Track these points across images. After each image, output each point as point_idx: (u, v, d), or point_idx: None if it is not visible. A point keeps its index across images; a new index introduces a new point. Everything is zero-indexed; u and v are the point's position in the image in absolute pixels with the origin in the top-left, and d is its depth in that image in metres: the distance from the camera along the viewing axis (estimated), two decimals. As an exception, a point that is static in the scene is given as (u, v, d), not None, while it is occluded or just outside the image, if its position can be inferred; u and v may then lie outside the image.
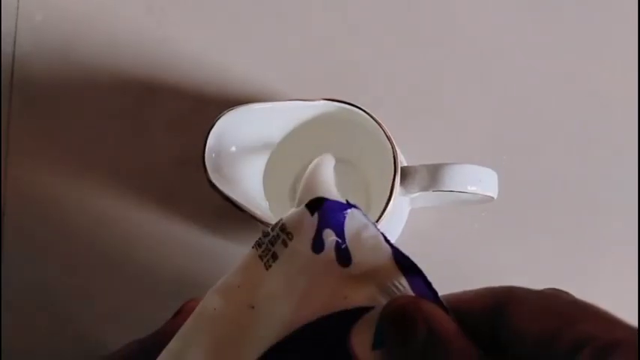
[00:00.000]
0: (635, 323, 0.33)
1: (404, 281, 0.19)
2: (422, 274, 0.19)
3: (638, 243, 0.35)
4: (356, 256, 0.19)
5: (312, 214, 0.20)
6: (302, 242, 0.20)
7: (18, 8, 0.40)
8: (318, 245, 0.20)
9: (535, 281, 0.35)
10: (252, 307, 0.20)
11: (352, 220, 0.20)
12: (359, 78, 0.37)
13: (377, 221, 0.27)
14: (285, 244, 0.20)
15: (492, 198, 0.29)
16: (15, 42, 0.39)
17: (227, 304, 0.20)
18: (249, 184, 0.30)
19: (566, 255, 0.35)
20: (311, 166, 0.24)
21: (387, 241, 0.20)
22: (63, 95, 0.38)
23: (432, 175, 0.27)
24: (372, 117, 0.28)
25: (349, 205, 0.21)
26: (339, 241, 0.20)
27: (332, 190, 0.22)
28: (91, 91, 0.38)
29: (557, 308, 0.17)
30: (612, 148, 0.36)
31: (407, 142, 0.34)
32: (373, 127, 0.28)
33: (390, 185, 0.27)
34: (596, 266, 0.35)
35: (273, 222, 0.27)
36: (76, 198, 0.37)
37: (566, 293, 0.19)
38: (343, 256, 0.19)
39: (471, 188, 0.27)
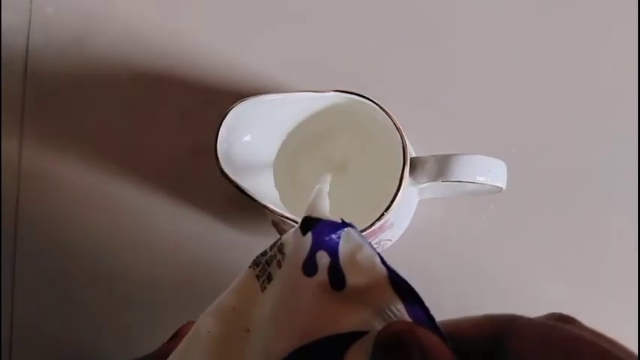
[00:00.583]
0: (635, 323, 0.34)
1: (400, 305, 0.18)
2: (419, 298, 0.18)
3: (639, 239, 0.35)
4: (350, 278, 0.19)
5: (305, 234, 0.19)
6: (293, 264, 0.19)
7: (31, 2, 0.40)
8: (310, 268, 0.19)
9: (541, 273, 0.35)
10: (248, 331, 0.19)
11: (347, 241, 0.19)
12: (369, 70, 0.38)
13: (386, 211, 0.27)
14: (280, 265, 0.20)
15: (501, 189, 0.29)
16: (28, 35, 0.40)
17: (221, 327, 0.20)
18: (260, 174, 0.30)
19: (573, 247, 0.36)
20: (314, 191, 0.23)
21: (384, 262, 0.19)
22: (75, 87, 0.39)
23: (441, 166, 0.28)
24: (381, 108, 0.28)
25: (344, 225, 0.19)
26: (333, 263, 0.19)
27: (327, 209, 0.21)
28: (103, 82, 0.39)
29: (559, 343, 0.16)
30: (621, 140, 0.36)
31: (416, 134, 0.34)
32: (383, 118, 0.28)
33: (400, 176, 0.28)
34: (602, 259, 0.35)
35: (283, 212, 0.28)
36: (89, 188, 0.38)
37: (572, 322, 0.18)
38: (337, 279, 0.19)
39: (479, 179, 0.28)
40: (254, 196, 0.26)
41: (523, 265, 0.35)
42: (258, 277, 0.20)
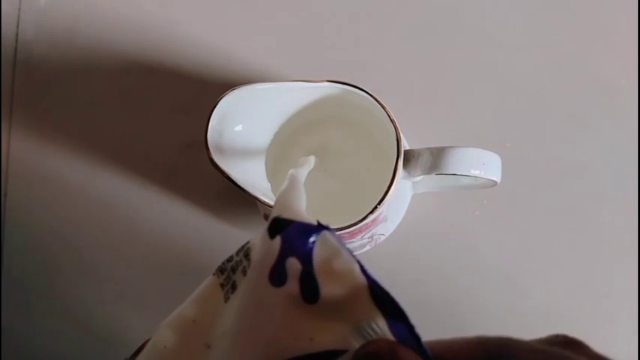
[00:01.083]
0: (635, 322, 0.33)
1: (381, 321, 0.16)
2: (403, 313, 0.16)
3: (639, 230, 0.35)
4: (325, 289, 0.16)
5: (273, 237, 0.17)
6: (259, 272, 0.17)
7: (22, -9, 0.39)
8: (278, 276, 0.16)
9: (535, 269, 0.35)
10: (209, 347, 0.17)
11: (323, 246, 0.17)
12: (363, 61, 0.37)
13: (379, 204, 0.27)
14: (245, 272, 0.17)
15: (495, 182, 0.29)
16: (18, 25, 0.39)
17: (180, 341, 0.18)
18: (252, 164, 0.30)
19: (567, 243, 0.35)
20: (280, 191, 0.20)
21: (364, 270, 0.16)
22: (66, 78, 0.38)
23: (435, 158, 0.27)
24: (375, 99, 0.28)
25: (320, 227, 0.17)
26: (306, 271, 0.16)
27: (302, 209, 0.18)
28: (94, 74, 0.38)
29: None
30: (615, 135, 0.36)
31: (411, 127, 0.34)
32: (377, 110, 0.28)
33: (393, 168, 0.27)
34: (597, 253, 0.35)
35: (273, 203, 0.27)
36: (79, 180, 0.37)
37: (578, 346, 0.17)
38: (309, 289, 0.16)
39: (474, 172, 0.27)
40: (244, 187, 0.26)
41: (517, 260, 0.35)
42: (222, 285, 0.18)
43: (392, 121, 0.28)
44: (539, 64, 0.37)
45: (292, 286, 0.16)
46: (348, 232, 0.28)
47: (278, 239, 0.17)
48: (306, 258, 0.16)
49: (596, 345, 0.34)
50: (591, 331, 0.34)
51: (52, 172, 0.37)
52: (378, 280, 0.16)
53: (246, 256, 0.18)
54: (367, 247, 0.33)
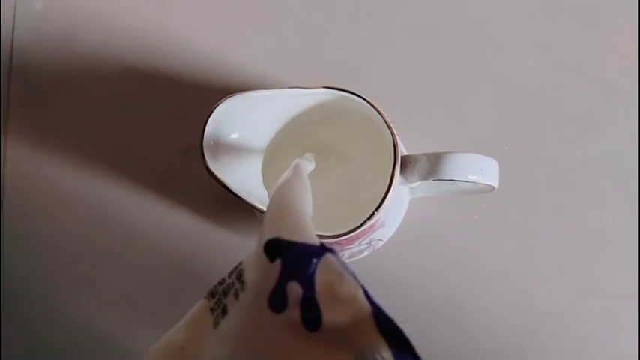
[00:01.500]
0: (635, 322, 0.33)
1: (386, 352, 0.15)
2: (409, 344, 0.15)
3: (639, 234, 0.35)
4: (328, 316, 0.15)
5: (272, 260, 0.16)
6: (257, 296, 0.16)
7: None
8: (277, 301, 0.15)
9: (534, 272, 0.35)
10: None
11: (325, 270, 0.16)
12: (360, 67, 0.37)
13: (376, 210, 0.27)
14: (237, 296, 0.16)
15: (493, 187, 0.28)
16: (14, 31, 0.39)
17: None
18: (249, 171, 0.30)
19: (566, 247, 0.35)
20: (283, 178, 0.19)
21: (368, 296, 0.16)
22: (62, 84, 0.38)
23: (433, 164, 0.27)
24: (372, 105, 0.28)
25: (323, 249, 0.16)
26: (307, 296, 0.15)
27: (303, 221, 0.17)
28: (90, 80, 0.38)
29: None
30: (615, 137, 0.36)
31: (408, 132, 0.34)
32: (374, 116, 0.28)
33: (390, 174, 0.27)
34: (596, 258, 0.35)
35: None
36: (76, 187, 0.37)
37: None
38: (311, 316, 0.15)
39: (471, 177, 0.27)
40: (240, 195, 0.26)
41: (516, 263, 0.35)
42: (212, 310, 0.17)
43: (389, 126, 0.27)
44: (538, 65, 0.37)
45: (293, 312, 0.15)
46: (345, 239, 0.28)
47: (278, 262, 0.16)
48: (308, 282, 0.15)
49: (597, 346, 0.35)
50: (592, 332, 0.34)
51: (48, 179, 0.37)
52: (383, 306, 0.15)
53: (239, 278, 0.17)
54: (365, 253, 0.33)
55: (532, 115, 0.36)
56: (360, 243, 0.31)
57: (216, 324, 0.16)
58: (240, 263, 0.17)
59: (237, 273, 0.17)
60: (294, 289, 0.15)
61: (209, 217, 0.36)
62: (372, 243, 0.32)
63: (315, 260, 0.16)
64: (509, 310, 0.35)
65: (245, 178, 0.29)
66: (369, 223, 0.27)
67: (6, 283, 0.37)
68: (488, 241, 0.35)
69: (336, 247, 0.30)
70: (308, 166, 0.25)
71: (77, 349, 0.36)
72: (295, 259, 0.16)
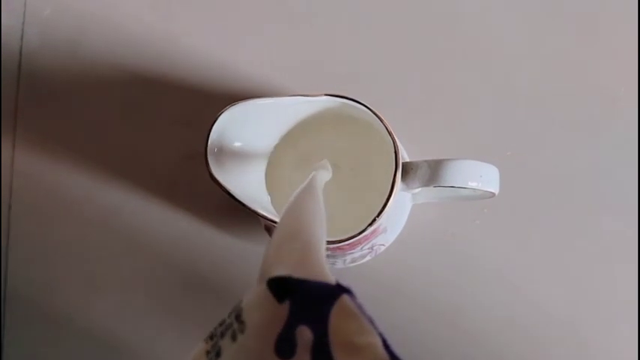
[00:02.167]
0: (635, 322, 0.34)
1: None
2: None
3: (639, 239, 0.35)
4: None
5: (281, 301, 0.14)
6: (260, 339, 0.14)
7: (25, 4, 0.40)
8: (285, 347, 0.14)
9: (536, 277, 0.35)
10: None
11: (341, 314, 0.14)
12: (362, 74, 0.38)
13: (378, 216, 0.27)
14: (234, 337, 0.15)
15: (494, 194, 0.29)
16: (22, 36, 0.40)
17: None
18: (252, 178, 0.30)
19: (567, 252, 0.35)
20: (295, 195, 0.17)
21: (387, 346, 0.14)
22: (69, 90, 0.39)
23: (433, 171, 0.27)
24: (373, 112, 0.28)
25: (339, 290, 0.14)
26: (319, 343, 0.14)
27: (317, 253, 0.15)
28: (97, 86, 0.39)
29: None
30: (616, 143, 0.36)
31: (411, 138, 0.34)
32: (375, 123, 0.28)
33: (392, 181, 0.27)
34: (598, 263, 0.35)
35: (273, 217, 0.27)
36: (82, 192, 0.38)
37: None
38: None
39: (471, 184, 0.27)
40: (243, 201, 0.26)
41: (518, 269, 0.35)
42: (207, 353, 0.15)
43: (390, 133, 0.28)
44: (539, 73, 0.37)
45: (302, 359, 0.14)
46: (347, 244, 0.29)
47: (287, 303, 0.14)
48: (321, 327, 0.14)
49: (598, 351, 0.35)
50: (593, 337, 0.35)
51: (55, 184, 0.38)
52: (402, 357, 0.14)
53: (238, 318, 0.15)
54: (367, 258, 0.33)
55: (534, 121, 0.37)
56: (362, 248, 0.31)
57: None
58: (240, 302, 0.15)
59: (236, 312, 0.15)
60: (305, 334, 0.14)
61: (213, 223, 0.37)
62: (374, 248, 0.33)
63: (331, 301, 0.14)
64: (511, 315, 0.35)
65: (249, 185, 0.30)
66: (370, 229, 0.28)
67: (11, 285, 0.37)
68: (490, 246, 0.35)
69: (338, 253, 0.31)
70: (325, 175, 0.24)
71: (81, 352, 0.36)
72: (307, 302, 0.14)
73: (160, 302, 0.37)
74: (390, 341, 0.14)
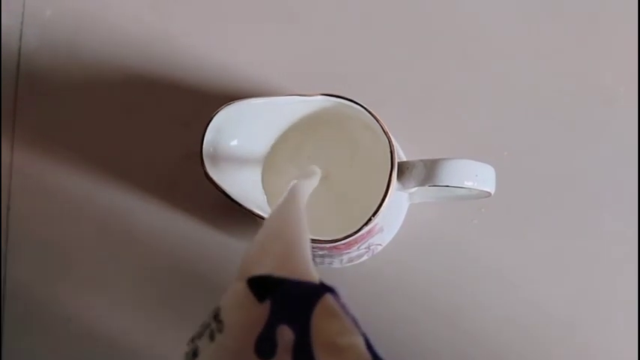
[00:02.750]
0: (635, 323, 0.33)
1: None
2: None
3: (639, 239, 0.35)
4: None
5: (261, 300, 0.14)
6: (239, 339, 0.14)
7: (24, 6, 0.40)
8: (265, 347, 0.14)
9: (534, 277, 0.35)
10: None
11: (323, 313, 0.14)
12: (359, 74, 0.38)
13: (373, 216, 0.27)
14: (212, 337, 0.15)
15: (490, 193, 0.29)
16: (21, 37, 0.40)
17: None
18: (248, 177, 0.30)
19: (566, 252, 0.35)
20: (277, 204, 0.17)
21: (370, 346, 0.14)
22: (68, 90, 0.39)
23: (429, 170, 0.27)
24: (369, 112, 0.28)
25: (322, 289, 0.14)
26: (301, 342, 0.14)
27: (299, 253, 0.15)
28: (95, 86, 0.39)
29: None
30: (615, 143, 0.36)
31: (408, 137, 0.34)
32: (371, 122, 0.28)
33: (387, 180, 0.27)
34: (596, 263, 0.35)
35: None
36: (80, 192, 0.38)
37: None
38: None
39: (467, 183, 0.27)
40: (238, 200, 0.26)
41: (516, 269, 0.35)
42: (186, 355, 0.15)
43: (385, 133, 0.28)
44: (537, 72, 0.37)
45: (283, 359, 0.14)
46: (343, 244, 0.29)
47: (267, 302, 0.14)
48: (302, 327, 0.14)
49: (597, 350, 0.35)
50: (592, 336, 0.34)
51: (53, 184, 0.38)
52: (385, 358, 0.14)
53: (216, 317, 0.15)
54: (364, 258, 0.33)
55: (532, 121, 0.37)
56: (358, 248, 0.31)
57: None
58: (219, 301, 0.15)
59: (214, 312, 0.15)
60: (286, 334, 0.14)
61: (211, 222, 0.37)
62: (371, 248, 0.33)
63: (313, 301, 0.14)
64: (510, 315, 0.35)
65: (245, 184, 0.30)
66: (366, 228, 0.28)
67: (10, 285, 0.37)
68: (488, 246, 0.35)
69: (334, 252, 0.31)
70: (311, 182, 0.24)
71: (80, 352, 0.36)
72: (288, 301, 0.14)
73: (159, 301, 0.37)
74: (374, 342, 0.14)
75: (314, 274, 0.14)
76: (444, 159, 0.28)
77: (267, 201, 0.31)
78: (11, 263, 0.37)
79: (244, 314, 0.14)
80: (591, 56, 0.37)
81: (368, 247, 0.32)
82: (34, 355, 0.37)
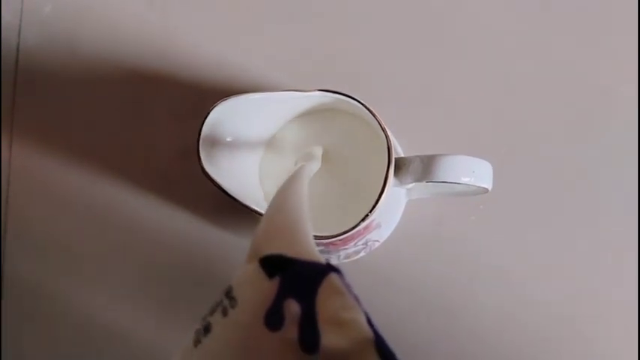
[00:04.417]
0: (635, 322, 0.33)
1: None
2: None
3: (638, 237, 0.35)
4: (327, 339, 0.14)
5: (271, 276, 0.15)
6: (250, 312, 0.15)
7: (23, 2, 0.40)
8: (274, 319, 0.15)
9: (533, 273, 0.35)
10: None
11: (328, 291, 0.15)
12: (356, 69, 0.37)
13: (370, 212, 0.27)
14: (225, 313, 0.15)
15: (487, 189, 0.29)
16: (20, 33, 0.40)
17: None
18: (246, 173, 0.30)
19: (564, 249, 0.35)
20: (283, 184, 0.18)
21: (371, 323, 0.15)
22: (67, 87, 0.39)
23: (426, 166, 0.27)
24: (366, 108, 0.28)
25: (328, 268, 0.15)
26: (307, 316, 0.15)
27: (307, 236, 0.16)
28: (93, 82, 0.39)
29: None
30: (615, 141, 0.36)
31: (406, 133, 0.34)
32: (369, 118, 0.28)
33: (384, 176, 0.27)
34: (595, 260, 0.35)
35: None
36: (79, 188, 0.38)
37: None
38: (309, 337, 0.14)
39: (464, 179, 0.27)
40: (234, 196, 0.26)
41: (514, 266, 0.35)
42: (197, 331, 0.16)
43: (383, 128, 0.28)
44: (536, 69, 0.37)
45: (290, 331, 0.15)
46: (340, 240, 0.29)
47: (277, 279, 0.15)
48: (308, 302, 0.15)
49: (597, 347, 0.35)
50: (592, 333, 0.34)
51: (52, 180, 0.38)
52: (384, 335, 0.14)
53: (228, 294, 0.16)
54: (362, 254, 0.33)
55: (530, 118, 0.36)
56: (355, 244, 0.31)
57: (196, 342, 0.15)
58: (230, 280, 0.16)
59: (227, 290, 0.16)
60: (292, 307, 0.15)
61: (209, 218, 0.37)
62: (369, 244, 0.33)
63: (319, 279, 0.15)
64: (507, 311, 0.35)
65: (242, 180, 0.30)
66: (363, 225, 0.28)
67: (8, 283, 0.37)
68: (486, 242, 0.35)
69: (331, 248, 0.31)
70: (313, 165, 0.25)
71: (79, 349, 0.37)
72: (296, 278, 0.15)
73: (156, 297, 0.37)
74: (375, 322, 0.15)
75: (320, 256, 0.15)
76: (441, 155, 0.28)
77: (265, 197, 0.31)
78: (9, 260, 0.37)
79: (255, 290, 0.15)
80: (591, 54, 0.37)
81: (365, 244, 0.32)
82: (33, 352, 0.37)
